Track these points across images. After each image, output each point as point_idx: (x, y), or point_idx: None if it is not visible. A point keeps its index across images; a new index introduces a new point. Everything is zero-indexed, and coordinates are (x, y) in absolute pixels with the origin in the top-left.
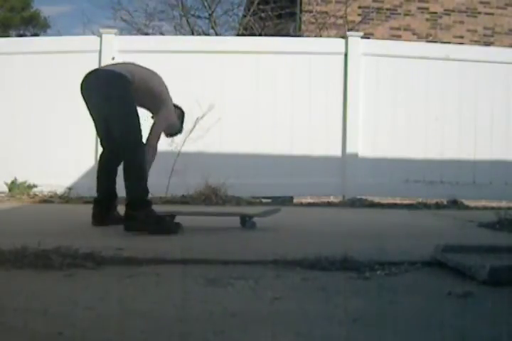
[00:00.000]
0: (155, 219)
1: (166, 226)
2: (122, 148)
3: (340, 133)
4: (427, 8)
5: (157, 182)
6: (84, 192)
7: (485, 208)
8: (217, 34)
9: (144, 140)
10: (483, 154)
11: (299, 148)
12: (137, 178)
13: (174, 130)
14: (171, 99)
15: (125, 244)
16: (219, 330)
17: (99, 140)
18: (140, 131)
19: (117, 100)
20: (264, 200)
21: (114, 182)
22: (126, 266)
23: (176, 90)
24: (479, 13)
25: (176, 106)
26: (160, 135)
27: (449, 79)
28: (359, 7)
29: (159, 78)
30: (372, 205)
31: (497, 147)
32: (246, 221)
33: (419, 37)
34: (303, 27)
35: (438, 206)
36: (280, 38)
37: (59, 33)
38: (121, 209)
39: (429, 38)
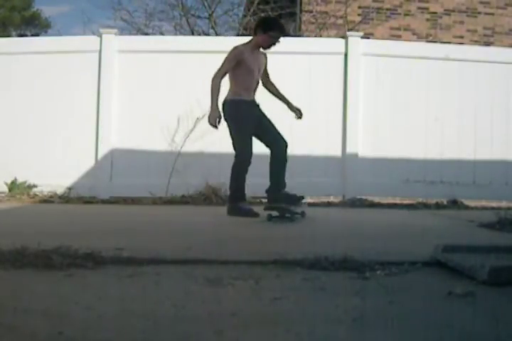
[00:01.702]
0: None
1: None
2: (235, 157)
3: (340, 133)
4: (427, 8)
5: (157, 182)
6: (84, 192)
7: (485, 208)
8: (217, 34)
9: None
10: (483, 154)
11: (299, 148)
12: (234, 179)
13: (266, 44)
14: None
15: (125, 244)
16: (219, 330)
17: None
18: (246, 147)
19: (233, 126)
20: (264, 200)
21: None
22: (126, 266)
23: (176, 90)
24: (479, 13)
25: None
26: (219, 74)
27: (449, 79)
28: (359, 7)
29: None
30: (372, 205)
31: (497, 147)
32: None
33: (419, 37)
34: (303, 27)
35: (438, 206)
36: (280, 38)
37: (59, 33)
38: None
39: (429, 38)
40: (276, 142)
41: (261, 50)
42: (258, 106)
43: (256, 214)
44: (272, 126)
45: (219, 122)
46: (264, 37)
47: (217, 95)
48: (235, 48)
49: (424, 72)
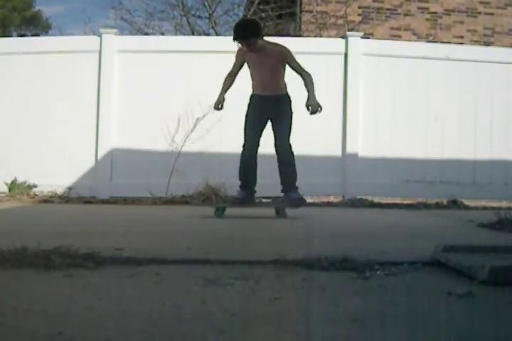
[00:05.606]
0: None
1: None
2: None
3: (340, 133)
4: (427, 8)
5: (157, 182)
6: (84, 192)
7: (485, 208)
8: (217, 34)
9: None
10: (483, 154)
11: (299, 148)
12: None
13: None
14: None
15: (125, 244)
16: (219, 330)
17: None
18: (246, 135)
19: None
20: (264, 200)
21: None
22: (126, 266)
23: (176, 90)
24: (479, 13)
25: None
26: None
27: (449, 79)
28: (359, 7)
29: None
30: (372, 205)
31: (497, 147)
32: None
33: (419, 37)
34: (303, 27)
35: (438, 206)
36: (280, 37)
37: (60, 33)
38: None
39: (429, 38)
40: (276, 142)
41: (270, 49)
42: (270, 101)
43: (233, 203)
44: (278, 124)
45: (220, 106)
46: None
47: (224, 86)
48: (238, 49)
49: (424, 72)
